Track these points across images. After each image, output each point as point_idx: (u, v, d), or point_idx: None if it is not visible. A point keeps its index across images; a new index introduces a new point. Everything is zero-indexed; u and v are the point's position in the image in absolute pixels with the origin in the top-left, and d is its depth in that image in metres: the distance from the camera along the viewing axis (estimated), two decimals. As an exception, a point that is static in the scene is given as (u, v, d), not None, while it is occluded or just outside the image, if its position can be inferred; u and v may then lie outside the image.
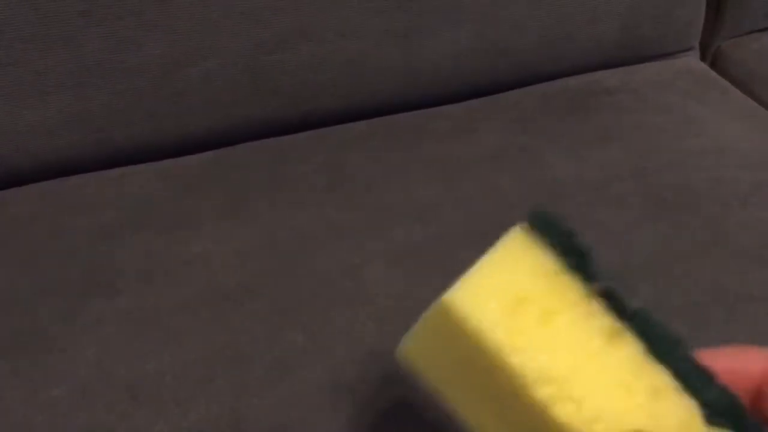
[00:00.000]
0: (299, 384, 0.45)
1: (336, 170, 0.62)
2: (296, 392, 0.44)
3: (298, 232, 0.55)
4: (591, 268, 0.26)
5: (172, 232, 0.55)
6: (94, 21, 0.57)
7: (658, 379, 0.25)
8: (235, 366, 0.46)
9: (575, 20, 0.72)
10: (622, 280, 0.26)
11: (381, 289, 0.50)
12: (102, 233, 0.56)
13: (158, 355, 0.46)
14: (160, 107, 0.62)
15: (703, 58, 0.81)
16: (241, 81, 0.63)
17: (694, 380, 0.26)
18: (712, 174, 0.61)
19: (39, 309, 0.50)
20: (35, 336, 0.48)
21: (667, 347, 0.26)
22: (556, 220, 0.27)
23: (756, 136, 0.67)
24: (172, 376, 0.45)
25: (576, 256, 0.27)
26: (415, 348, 0.27)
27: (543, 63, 0.73)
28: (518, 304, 0.25)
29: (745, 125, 0.69)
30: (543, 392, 0.24)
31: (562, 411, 0.24)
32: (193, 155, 0.63)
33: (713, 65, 0.80)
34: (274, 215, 0.57)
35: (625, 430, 0.24)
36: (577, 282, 0.26)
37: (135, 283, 0.51)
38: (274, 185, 0.60)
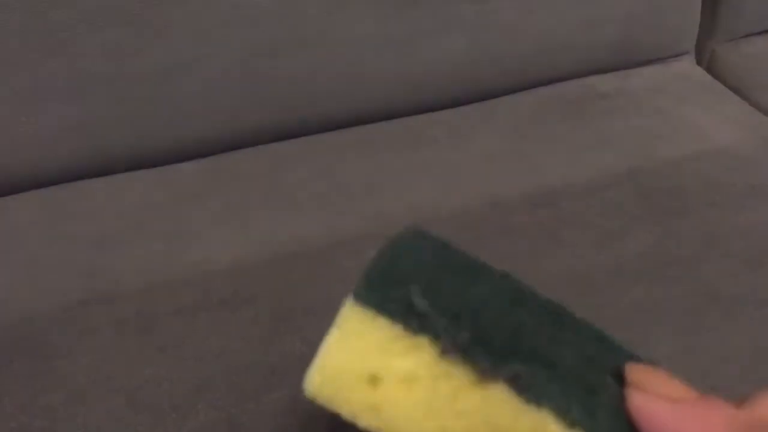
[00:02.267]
0: (296, 390, 0.45)
1: (333, 176, 0.62)
2: (293, 398, 0.44)
3: (295, 238, 0.56)
4: (435, 326, 0.26)
5: (171, 239, 0.56)
6: (92, 29, 0.57)
7: (536, 418, 0.25)
8: (232, 372, 0.46)
9: (570, 26, 0.72)
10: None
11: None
12: (101, 240, 0.56)
13: (156, 361, 0.47)
14: (158, 115, 0.62)
15: (698, 61, 0.81)
16: (238, 88, 0.63)
17: (576, 410, 0.25)
18: (706, 177, 0.62)
19: (37, 315, 0.50)
20: (34, 342, 0.48)
21: (538, 382, 0.25)
22: (386, 287, 0.27)
23: (750, 139, 0.68)
24: (169, 382, 0.45)
25: (417, 317, 0.26)
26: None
27: (538, 68, 0.73)
28: (374, 381, 0.25)
29: (740, 129, 0.69)
30: None
31: None
32: (191, 162, 0.64)
33: (708, 69, 0.80)
34: (271, 221, 0.57)
35: None
36: (426, 340, 0.26)
37: (133, 290, 0.52)
38: (272, 191, 0.60)
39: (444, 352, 0.26)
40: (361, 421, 0.25)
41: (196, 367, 0.46)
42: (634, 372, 0.26)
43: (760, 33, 0.83)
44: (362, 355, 0.26)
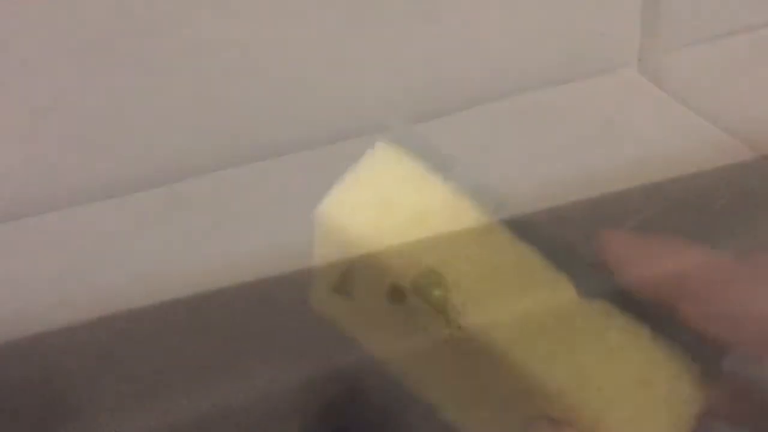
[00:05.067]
0: (256, 421, 0.45)
1: (287, 200, 0.62)
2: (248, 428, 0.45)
3: (250, 264, 0.56)
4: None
5: (127, 269, 0.56)
6: (42, 66, 0.58)
7: (527, 255, 0.27)
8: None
9: (516, 41, 0.74)
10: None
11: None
12: (56, 272, 0.56)
13: (115, 392, 0.47)
14: (110, 146, 0.63)
15: (641, 71, 0.83)
16: (190, 116, 0.64)
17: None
18: (652, 185, 0.63)
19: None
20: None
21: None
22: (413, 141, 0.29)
23: (695, 146, 0.69)
24: (128, 413, 0.46)
25: (440, 167, 0.28)
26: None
27: (486, 84, 0.75)
28: (389, 207, 0.27)
29: (685, 136, 0.71)
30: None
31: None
32: (146, 191, 0.64)
33: (652, 78, 0.82)
34: (227, 247, 0.58)
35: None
36: (443, 185, 0.28)
37: (92, 321, 0.52)
38: (227, 218, 0.61)
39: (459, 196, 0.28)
40: (366, 246, 0.27)
41: (154, 398, 0.47)
42: None
43: (701, 41, 0.85)
44: (381, 185, 0.28)
